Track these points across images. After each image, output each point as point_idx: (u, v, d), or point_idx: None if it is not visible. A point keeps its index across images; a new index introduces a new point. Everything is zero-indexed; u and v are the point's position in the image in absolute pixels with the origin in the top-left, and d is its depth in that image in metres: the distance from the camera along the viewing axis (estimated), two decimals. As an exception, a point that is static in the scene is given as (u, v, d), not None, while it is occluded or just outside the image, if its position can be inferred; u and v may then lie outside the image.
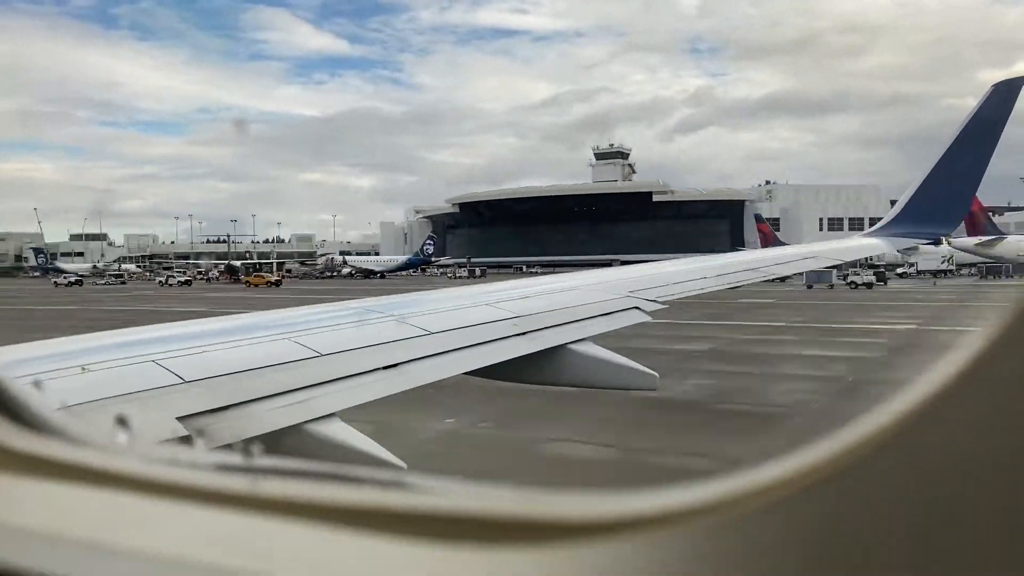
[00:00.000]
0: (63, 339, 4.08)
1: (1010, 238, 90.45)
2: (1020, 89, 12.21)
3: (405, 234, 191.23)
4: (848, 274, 73.89)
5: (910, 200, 12.93)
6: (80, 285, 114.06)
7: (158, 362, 3.75)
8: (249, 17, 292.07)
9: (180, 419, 3.32)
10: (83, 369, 3.49)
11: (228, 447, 3.36)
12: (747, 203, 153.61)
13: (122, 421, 1.33)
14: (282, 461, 1.02)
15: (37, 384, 1.68)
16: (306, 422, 3.70)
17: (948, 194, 12.62)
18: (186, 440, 3.27)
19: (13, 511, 0.98)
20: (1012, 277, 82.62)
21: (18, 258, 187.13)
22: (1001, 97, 12.10)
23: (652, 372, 5.94)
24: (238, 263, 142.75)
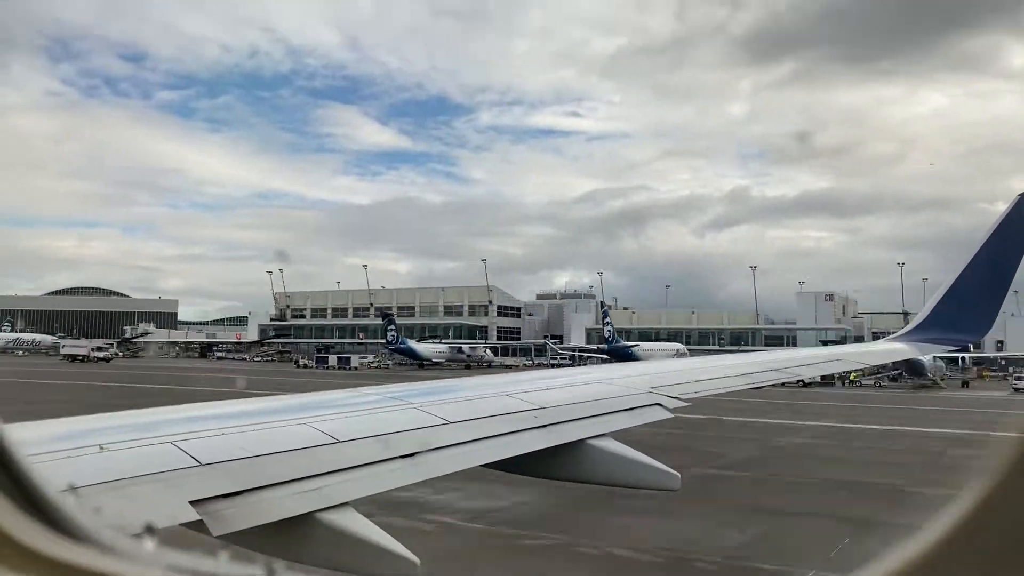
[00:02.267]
0: (83, 417, 4.08)
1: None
2: None
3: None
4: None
5: (937, 306, 12.82)
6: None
7: (175, 444, 3.72)
8: (320, 113, 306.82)
9: (193, 503, 3.27)
10: (101, 448, 3.47)
11: (245, 536, 3.30)
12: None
13: (149, 528, 1.31)
14: (303, 571, 0.98)
15: (72, 488, 1.67)
16: (318, 511, 3.63)
17: (977, 300, 12.51)
18: (199, 525, 3.21)
19: None
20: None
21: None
22: None
23: (674, 472, 5.79)
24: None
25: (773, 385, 10.01)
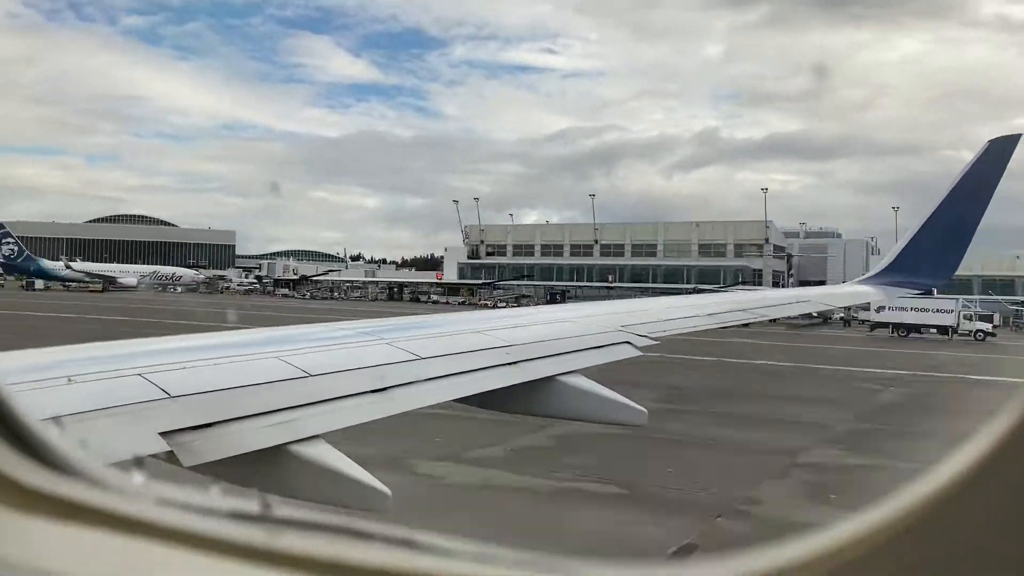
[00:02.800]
0: (50, 349, 4.02)
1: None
2: (1015, 146, 12.37)
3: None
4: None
5: (903, 250, 13.03)
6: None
7: (144, 376, 3.69)
8: (291, 42, 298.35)
9: (163, 434, 3.26)
10: (69, 380, 3.43)
11: (216, 467, 3.31)
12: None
13: (138, 461, 1.29)
14: (297, 511, 0.99)
15: (57, 421, 1.64)
16: (291, 443, 3.64)
17: (942, 246, 12.72)
18: (169, 456, 3.21)
19: (20, 549, 0.94)
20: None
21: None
22: (996, 153, 12.25)
23: (641, 408, 5.89)
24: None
25: (739, 325, 10.16)
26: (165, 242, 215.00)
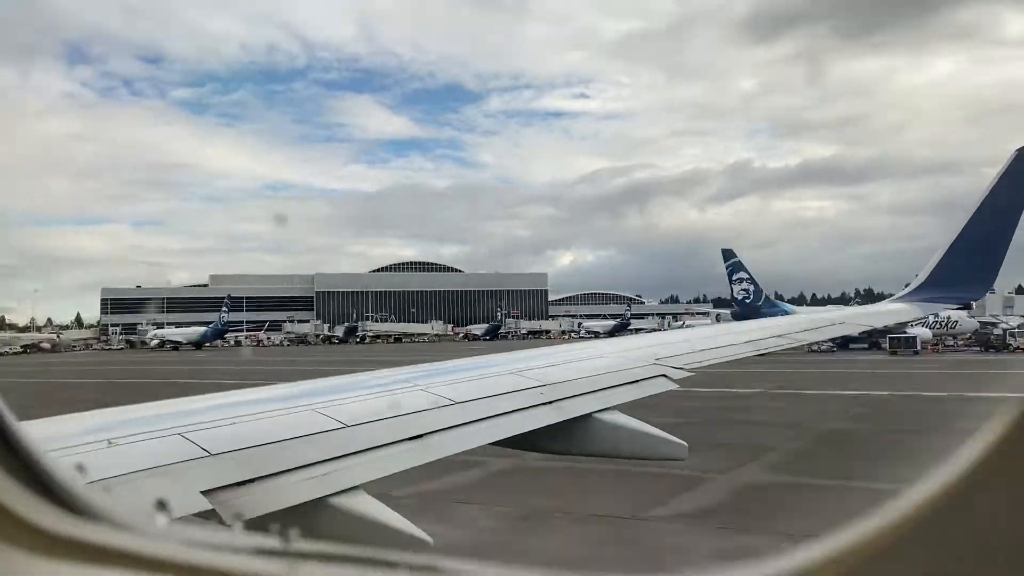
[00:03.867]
0: (91, 413, 4.09)
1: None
2: None
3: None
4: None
5: (937, 265, 12.84)
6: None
7: (184, 435, 3.74)
8: (333, 103, 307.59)
9: (204, 493, 3.29)
10: (110, 443, 3.48)
11: (257, 523, 3.32)
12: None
13: (161, 504, 1.32)
14: (316, 544, 1.00)
15: (80, 467, 1.67)
16: (330, 495, 3.66)
17: (977, 259, 12.52)
18: (211, 514, 3.23)
19: None
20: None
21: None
22: None
23: (681, 442, 5.83)
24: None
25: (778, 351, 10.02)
26: (461, 291, 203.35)
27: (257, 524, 3.34)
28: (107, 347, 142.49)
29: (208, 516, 3.21)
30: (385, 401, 5.05)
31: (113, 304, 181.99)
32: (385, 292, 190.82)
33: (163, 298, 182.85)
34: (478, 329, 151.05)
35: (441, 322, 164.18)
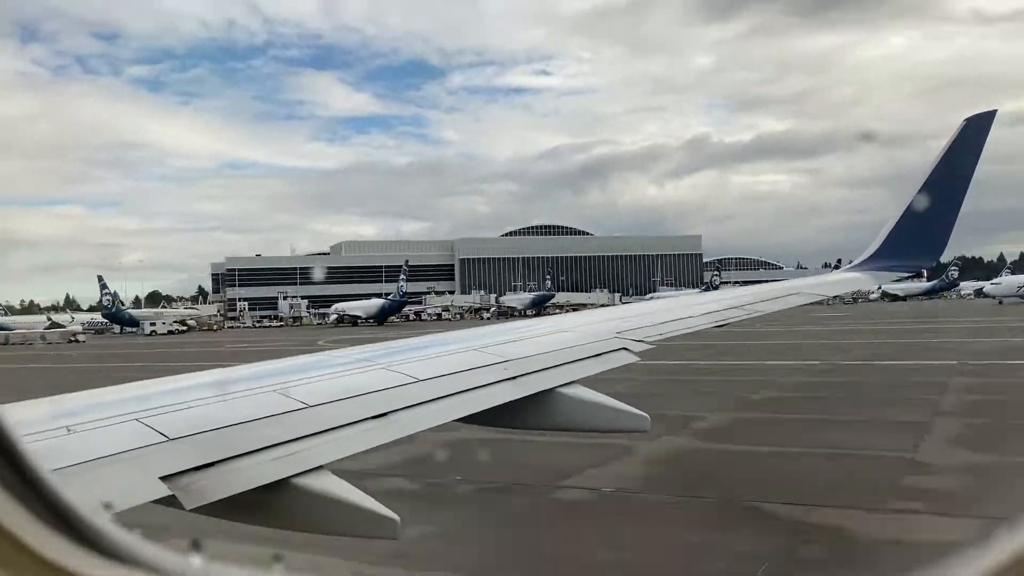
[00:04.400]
0: (50, 399, 4.01)
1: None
2: (991, 123, 12.46)
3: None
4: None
5: (889, 235, 13.09)
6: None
7: (142, 420, 3.68)
8: (293, 80, 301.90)
9: (164, 478, 3.24)
10: (68, 430, 3.42)
11: (220, 506, 3.29)
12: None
13: (195, 544, 1.28)
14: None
15: (107, 506, 1.63)
16: (295, 475, 3.63)
17: (928, 227, 12.80)
18: (170, 500, 3.19)
19: None
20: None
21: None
22: (973, 131, 12.34)
23: (643, 414, 5.89)
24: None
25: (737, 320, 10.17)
26: (599, 255, 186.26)
27: (221, 507, 3.31)
28: (259, 324, 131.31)
29: (168, 503, 3.17)
30: (348, 380, 5.02)
31: (226, 277, 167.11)
32: (529, 258, 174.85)
33: (295, 268, 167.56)
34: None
35: (606, 291, 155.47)
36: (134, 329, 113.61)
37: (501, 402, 5.33)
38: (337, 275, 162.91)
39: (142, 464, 3.30)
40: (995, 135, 12.36)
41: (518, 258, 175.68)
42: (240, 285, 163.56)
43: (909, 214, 12.74)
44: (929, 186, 12.48)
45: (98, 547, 1.16)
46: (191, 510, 3.21)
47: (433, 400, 4.93)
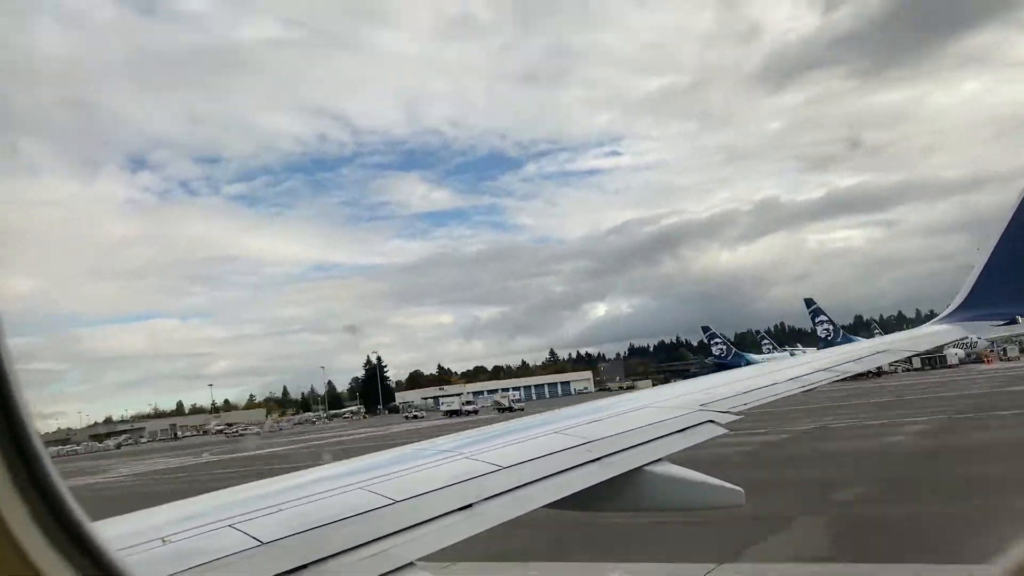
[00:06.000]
0: (143, 512, 4.12)
1: None
2: None
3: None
4: None
5: (976, 282, 12.59)
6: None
7: (235, 526, 3.75)
8: (378, 184, 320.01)
9: None
10: (163, 541, 3.50)
11: None
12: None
13: None
14: None
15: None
16: (386, 574, 3.62)
17: (1016, 272, 12.27)
18: None
19: None
20: None
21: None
22: None
23: (737, 488, 5.70)
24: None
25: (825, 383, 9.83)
26: None
27: None
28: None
29: None
30: (432, 472, 5.02)
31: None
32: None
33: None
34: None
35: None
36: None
37: (586, 485, 5.23)
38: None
39: (238, 570, 3.34)
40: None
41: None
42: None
43: (994, 260, 12.26)
44: (1012, 228, 12.02)
45: None
46: None
47: (517, 488, 4.88)
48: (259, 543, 3.58)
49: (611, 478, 5.40)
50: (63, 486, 1.54)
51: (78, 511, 1.48)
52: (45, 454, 1.50)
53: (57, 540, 1.38)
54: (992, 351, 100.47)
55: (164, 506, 4.27)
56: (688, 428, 6.66)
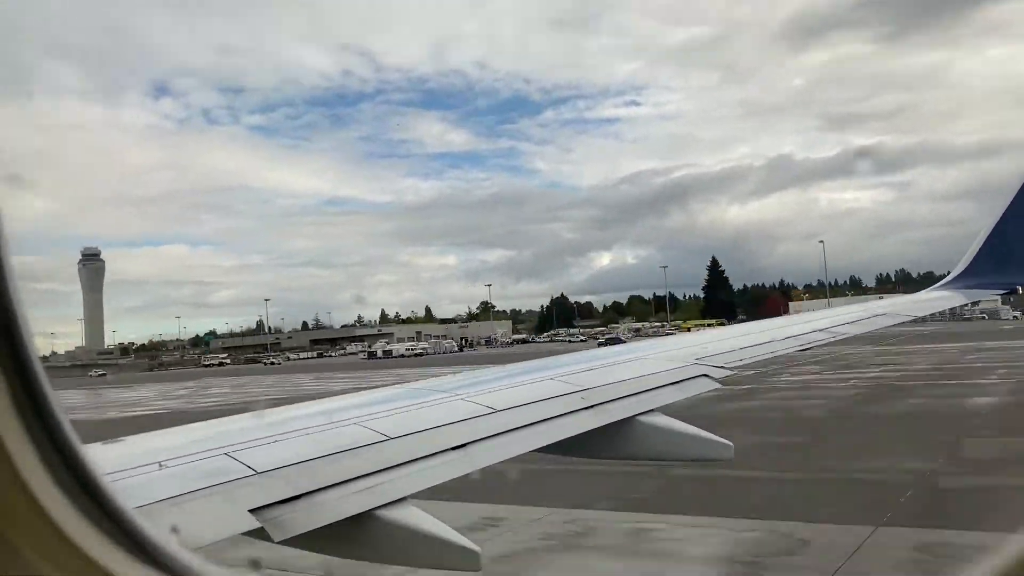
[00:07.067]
0: (140, 436, 4.17)
1: None
2: None
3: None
4: None
5: (980, 250, 12.53)
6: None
7: (231, 455, 3.80)
8: (399, 120, 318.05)
9: (253, 511, 3.33)
10: (160, 466, 3.55)
11: (306, 538, 3.36)
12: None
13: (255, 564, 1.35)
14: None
15: (174, 529, 1.71)
16: (377, 508, 3.68)
17: (1021, 240, 12.20)
18: (259, 532, 3.27)
19: None
20: None
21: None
22: None
23: (726, 442, 5.75)
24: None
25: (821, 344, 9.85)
26: None
27: (306, 540, 3.38)
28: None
29: (257, 535, 3.26)
30: (427, 412, 5.07)
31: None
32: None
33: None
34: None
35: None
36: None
37: (579, 432, 5.29)
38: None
39: (232, 497, 3.40)
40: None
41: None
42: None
43: (1000, 229, 12.17)
44: (1020, 199, 11.92)
45: (165, 567, 1.20)
46: (278, 542, 3.28)
47: (511, 431, 4.93)
48: (254, 472, 3.63)
49: (603, 426, 5.45)
50: (60, 407, 1.55)
51: (71, 432, 1.49)
52: (43, 373, 1.51)
53: (49, 459, 1.39)
54: None
55: (163, 431, 4.32)
56: (682, 381, 6.70)
